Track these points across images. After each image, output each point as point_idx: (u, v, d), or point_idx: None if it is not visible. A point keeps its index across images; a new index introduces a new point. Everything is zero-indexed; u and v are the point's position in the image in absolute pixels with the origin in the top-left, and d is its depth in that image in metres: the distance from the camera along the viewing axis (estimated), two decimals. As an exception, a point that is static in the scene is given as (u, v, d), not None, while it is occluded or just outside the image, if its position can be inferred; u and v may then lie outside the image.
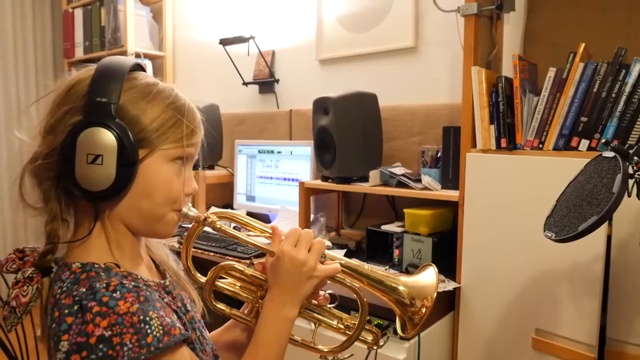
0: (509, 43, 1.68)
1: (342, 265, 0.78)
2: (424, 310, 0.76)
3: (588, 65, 1.29)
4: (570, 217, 0.89)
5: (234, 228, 0.84)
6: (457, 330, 1.53)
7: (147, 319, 0.62)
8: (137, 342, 0.60)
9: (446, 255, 1.59)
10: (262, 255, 0.82)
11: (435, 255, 1.58)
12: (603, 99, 1.27)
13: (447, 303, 1.54)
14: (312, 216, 2.00)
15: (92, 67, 0.70)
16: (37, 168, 0.68)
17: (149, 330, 0.61)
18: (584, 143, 1.30)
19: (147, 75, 0.74)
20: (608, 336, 1.16)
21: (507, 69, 1.60)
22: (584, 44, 1.31)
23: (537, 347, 1.35)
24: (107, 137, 0.65)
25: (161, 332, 0.62)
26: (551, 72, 1.35)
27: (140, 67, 0.75)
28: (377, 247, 1.78)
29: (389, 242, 1.74)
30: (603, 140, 1.26)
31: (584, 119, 1.30)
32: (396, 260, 1.67)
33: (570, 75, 1.31)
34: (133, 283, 0.66)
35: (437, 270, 0.82)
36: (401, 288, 0.79)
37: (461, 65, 1.53)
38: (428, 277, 0.81)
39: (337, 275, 0.78)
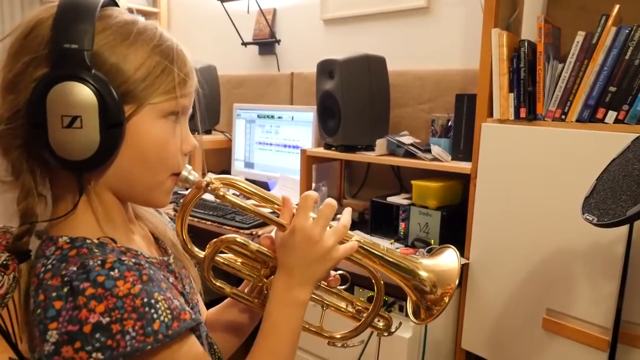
0: (529, 5, 1.56)
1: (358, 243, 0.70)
2: (446, 299, 0.69)
3: (621, 29, 1.18)
4: (616, 199, 0.81)
5: (233, 194, 0.75)
6: (464, 308, 1.47)
7: (153, 301, 0.52)
8: (141, 330, 0.51)
9: (454, 230, 1.51)
10: (262, 225, 0.73)
11: (444, 229, 1.51)
12: (635, 67, 1.17)
13: (454, 279, 1.48)
14: (313, 185, 1.92)
15: (54, 4, 0.55)
16: (0, 135, 0.56)
17: (155, 315, 0.52)
18: (611, 115, 1.21)
19: (123, 12, 0.60)
20: (622, 318, 1.11)
21: (527, 33, 1.49)
22: (618, 6, 1.20)
23: (548, 327, 1.30)
24: (84, 94, 0.53)
25: (170, 316, 0.53)
26: (579, 37, 1.24)
27: (113, 2, 0.61)
28: (382, 220, 1.70)
29: (394, 214, 1.66)
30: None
31: (612, 88, 1.20)
32: (402, 234, 1.60)
33: (601, 40, 1.20)
34: (133, 260, 0.56)
35: (458, 253, 0.74)
36: (422, 273, 0.71)
37: (477, 28, 1.42)
38: (449, 261, 0.73)
39: (353, 254, 0.69)
